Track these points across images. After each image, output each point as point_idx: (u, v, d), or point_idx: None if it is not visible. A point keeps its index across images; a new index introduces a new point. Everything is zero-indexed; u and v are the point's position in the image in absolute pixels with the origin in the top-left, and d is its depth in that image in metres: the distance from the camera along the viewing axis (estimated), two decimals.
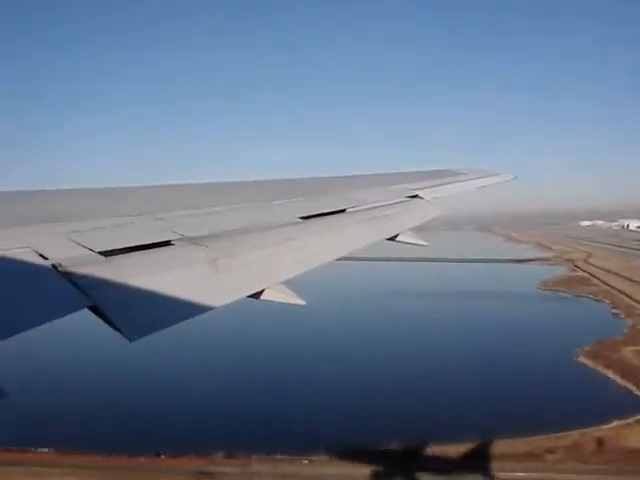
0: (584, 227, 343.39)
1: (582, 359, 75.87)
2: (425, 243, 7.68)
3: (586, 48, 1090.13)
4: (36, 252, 3.41)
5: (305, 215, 6.10)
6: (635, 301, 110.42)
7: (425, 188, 9.51)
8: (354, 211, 7.01)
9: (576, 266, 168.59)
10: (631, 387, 65.29)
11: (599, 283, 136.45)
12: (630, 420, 55.71)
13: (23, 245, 3.47)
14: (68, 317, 3.02)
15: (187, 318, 3.57)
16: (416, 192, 9.03)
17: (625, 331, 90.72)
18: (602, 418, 55.06)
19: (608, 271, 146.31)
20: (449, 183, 10.79)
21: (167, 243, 4.23)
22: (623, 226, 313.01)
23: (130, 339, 3.13)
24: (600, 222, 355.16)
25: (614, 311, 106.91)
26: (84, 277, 3.27)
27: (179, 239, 4.35)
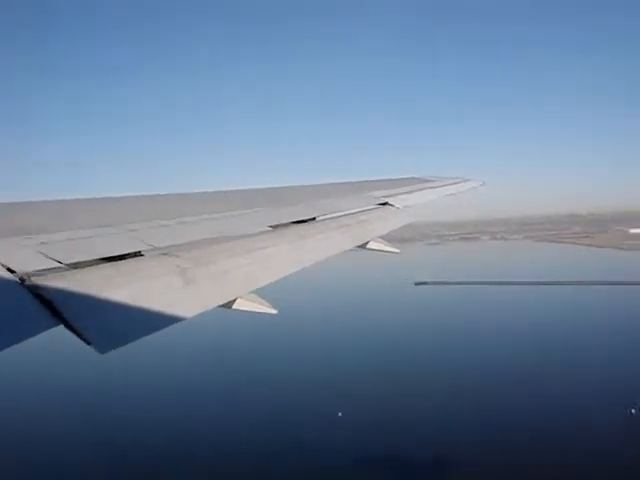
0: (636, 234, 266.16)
1: None
2: (397, 250, 7.70)
3: None
4: (2, 265, 3.37)
5: (275, 224, 6.14)
6: None
7: (395, 195, 9.63)
8: (325, 219, 7.07)
9: None
10: None
11: None
12: None
13: None
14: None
15: (159, 329, 3.57)
16: (386, 200, 9.14)
17: None
18: None
19: None
20: (419, 190, 10.95)
21: (138, 254, 4.22)
22: None
23: (101, 352, 3.11)
24: None
25: None
26: (52, 290, 3.23)
27: (149, 250, 4.34)
